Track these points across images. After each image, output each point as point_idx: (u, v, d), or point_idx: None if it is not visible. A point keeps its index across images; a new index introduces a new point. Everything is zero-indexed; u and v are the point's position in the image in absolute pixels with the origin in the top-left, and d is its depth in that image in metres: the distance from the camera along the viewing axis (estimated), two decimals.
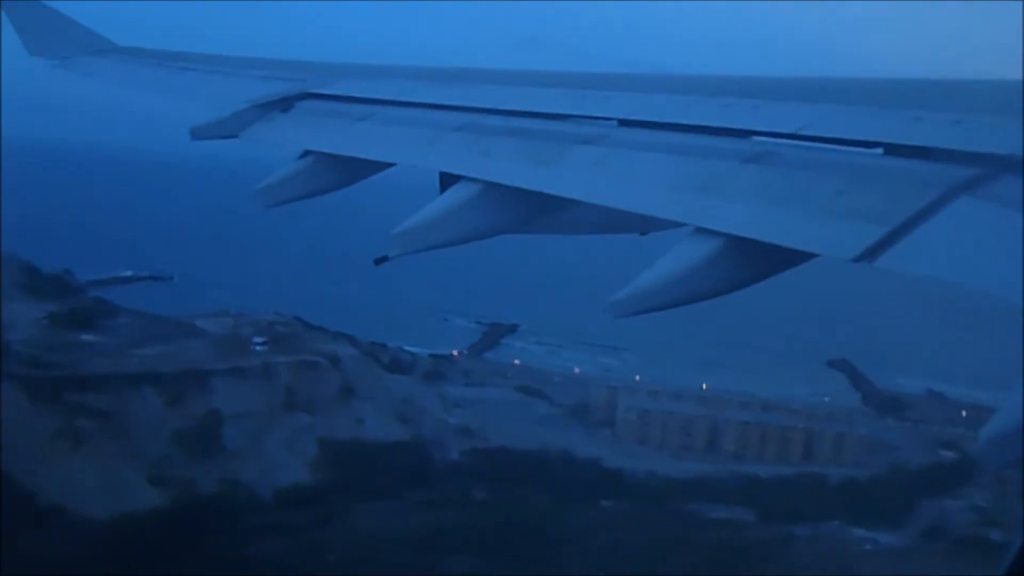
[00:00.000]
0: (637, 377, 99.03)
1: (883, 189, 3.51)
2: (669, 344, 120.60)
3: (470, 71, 7.30)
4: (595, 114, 5.31)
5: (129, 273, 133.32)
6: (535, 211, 5.11)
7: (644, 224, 5.32)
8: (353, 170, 6.35)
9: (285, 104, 7.30)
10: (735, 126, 4.45)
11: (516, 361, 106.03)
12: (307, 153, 6.40)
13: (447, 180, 5.31)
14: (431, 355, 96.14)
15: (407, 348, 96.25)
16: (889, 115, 3.99)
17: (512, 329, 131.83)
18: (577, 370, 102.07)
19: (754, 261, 3.80)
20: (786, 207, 3.74)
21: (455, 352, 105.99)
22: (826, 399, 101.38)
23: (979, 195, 3.22)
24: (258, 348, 69.56)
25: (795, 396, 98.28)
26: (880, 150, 3.79)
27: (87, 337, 69.13)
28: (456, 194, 5.04)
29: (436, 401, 76.52)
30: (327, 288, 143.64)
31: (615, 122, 5.14)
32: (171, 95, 8.85)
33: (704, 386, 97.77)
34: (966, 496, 75.82)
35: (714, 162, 4.27)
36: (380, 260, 5.08)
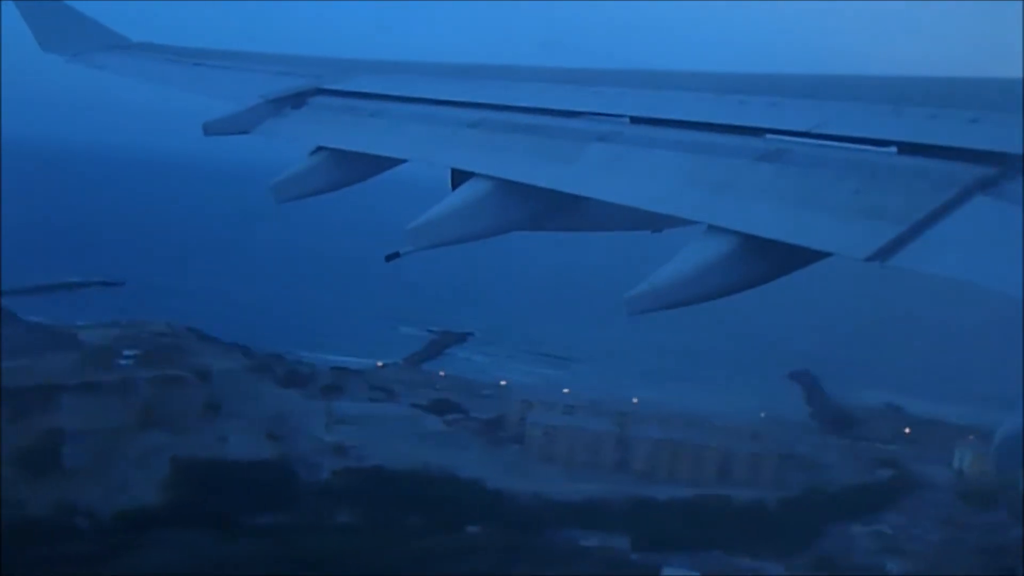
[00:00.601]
0: (565, 390, 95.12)
1: (899, 188, 3.49)
2: (627, 355, 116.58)
3: (483, 67, 7.19)
4: (608, 111, 5.30)
5: (77, 279, 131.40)
6: (547, 208, 5.13)
7: (657, 222, 5.31)
8: (366, 166, 6.38)
9: (298, 100, 7.28)
10: (749, 124, 4.45)
11: (442, 372, 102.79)
12: (320, 149, 6.40)
13: (459, 177, 5.31)
14: (333, 367, 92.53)
15: (307, 359, 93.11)
16: (905, 113, 3.97)
17: (463, 338, 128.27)
18: (504, 382, 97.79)
19: (768, 260, 3.81)
20: (800, 206, 3.73)
21: (380, 363, 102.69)
22: (762, 414, 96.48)
23: (996, 195, 3.19)
24: (124, 362, 67.07)
25: (732, 411, 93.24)
26: (895, 148, 3.77)
27: None
28: (469, 191, 5.07)
29: (320, 417, 73.53)
30: (287, 292, 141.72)
31: (627, 119, 5.11)
32: (183, 90, 8.84)
33: (635, 400, 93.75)
34: (878, 521, 72.15)
35: (728, 160, 4.29)
36: (392, 256, 5.15)
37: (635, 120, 5.07)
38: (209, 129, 7.17)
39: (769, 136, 4.30)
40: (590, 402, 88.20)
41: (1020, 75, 3.89)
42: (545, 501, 68.07)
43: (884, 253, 3.18)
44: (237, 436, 65.72)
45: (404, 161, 6.06)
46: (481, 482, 69.19)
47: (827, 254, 3.52)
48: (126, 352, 68.69)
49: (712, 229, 3.87)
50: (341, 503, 62.76)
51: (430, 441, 75.64)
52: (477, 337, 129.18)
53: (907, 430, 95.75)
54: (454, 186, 5.32)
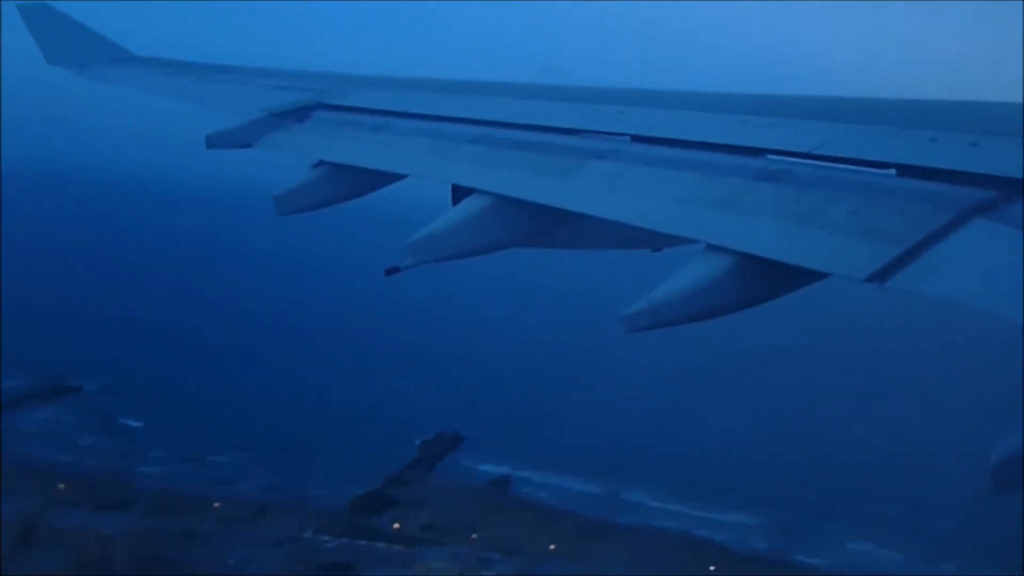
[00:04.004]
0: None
1: (898, 210, 3.45)
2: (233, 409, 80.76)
3: (484, 84, 7.30)
4: (609, 129, 5.31)
5: None
6: (547, 225, 5.12)
7: (656, 240, 5.25)
8: (366, 181, 6.40)
9: (300, 114, 7.37)
10: (750, 144, 4.44)
11: None
12: (321, 163, 6.47)
13: (460, 192, 5.34)
14: None
15: None
16: (904, 136, 3.96)
17: (65, 392, 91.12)
18: None
19: (767, 280, 3.79)
20: (799, 226, 3.69)
21: None
22: (216, 504, 62.84)
23: (995, 218, 3.17)
24: None
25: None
26: (894, 171, 3.76)
27: None
28: (469, 206, 5.08)
29: None
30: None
31: (628, 137, 5.12)
32: (186, 103, 8.91)
33: (61, 486, 62.66)
34: None
35: (728, 179, 4.27)
36: (392, 270, 5.08)
37: (636, 139, 5.11)
38: (212, 142, 7.19)
39: (770, 156, 4.31)
40: None
41: (1020, 75, 3.77)
42: None
43: (882, 274, 3.18)
44: None
45: (405, 176, 6.09)
46: None
47: (825, 275, 3.51)
48: None
49: (711, 248, 3.86)
50: None
51: None
52: (86, 391, 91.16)
53: (396, 526, 63.54)
54: (455, 202, 5.36)
